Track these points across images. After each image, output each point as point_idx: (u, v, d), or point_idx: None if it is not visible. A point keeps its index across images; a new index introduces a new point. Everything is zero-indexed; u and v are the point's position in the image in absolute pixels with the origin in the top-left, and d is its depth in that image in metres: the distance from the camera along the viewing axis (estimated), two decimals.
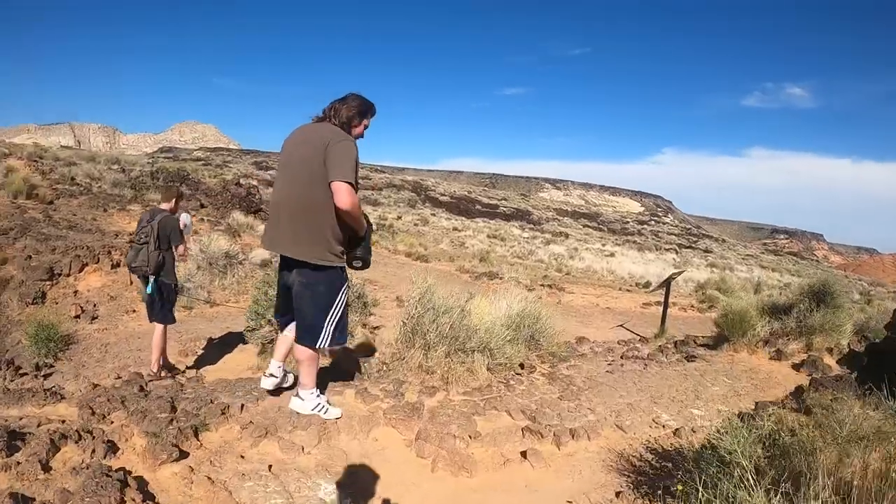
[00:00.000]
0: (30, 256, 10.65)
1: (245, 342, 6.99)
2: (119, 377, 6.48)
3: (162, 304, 6.22)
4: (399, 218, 40.00)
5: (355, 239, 3.50)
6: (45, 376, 7.11)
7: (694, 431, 3.65)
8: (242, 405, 3.60)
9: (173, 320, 6.24)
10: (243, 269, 11.75)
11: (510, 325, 4.98)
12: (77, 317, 9.41)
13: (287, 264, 3.59)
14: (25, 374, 7.07)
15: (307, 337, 3.56)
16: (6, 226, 11.67)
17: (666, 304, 10.08)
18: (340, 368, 4.82)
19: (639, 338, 9.51)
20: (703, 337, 9.14)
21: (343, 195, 3.19)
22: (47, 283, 10.21)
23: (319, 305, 3.50)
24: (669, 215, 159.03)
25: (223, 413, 3.43)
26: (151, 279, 6.05)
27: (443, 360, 4.25)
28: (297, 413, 3.61)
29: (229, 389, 3.99)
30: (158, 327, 6.25)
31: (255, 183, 38.90)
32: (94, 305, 9.85)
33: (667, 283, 10.37)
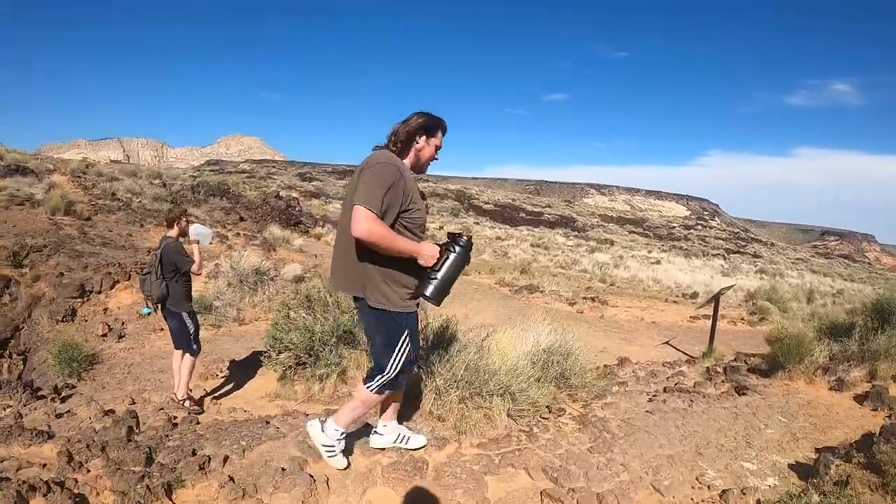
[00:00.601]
0: (62, 273, 10.65)
1: None
2: (133, 402, 6.27)
3: (176, 335, 5.94)
4: (441, 228, 39.70)
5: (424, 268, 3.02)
6: (63, 399, 6.98)
7: (744, 494, 3.08)
8: (226, 457, 3.21)
9: (191, 349, 5.91)
10: (275, 286, 11.53)
11: (537, 363, 4.45)
12: (104, 335, 9.33)
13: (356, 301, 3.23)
14: (43, 396, 6.96)
15: (369, 375, 3.24)
16: (41, 243, 11.72)
17: (714, 321, 9.38)
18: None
19: (686, 358, 8.86)
20: (754, 357, 8.44)
21: (356, 221, 2.77)
22: (78, 300, 10.20)
23: (377, 353, 3.18)
24: (716, 219, 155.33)
25: (202, 468, 3.04)
26: (152, 308, 5.83)
27: (455, 406, 3.76)
28: (380, 448, 3.39)
29: (220, 435, 3.61)
30: (176, 353, 5.98)
31: (296, 195, 39.29)
32: (123, 323, 9.76)
33: (716, 298, 9.66)
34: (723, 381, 6.04)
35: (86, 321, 9.86)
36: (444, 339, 4.01)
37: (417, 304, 3.15)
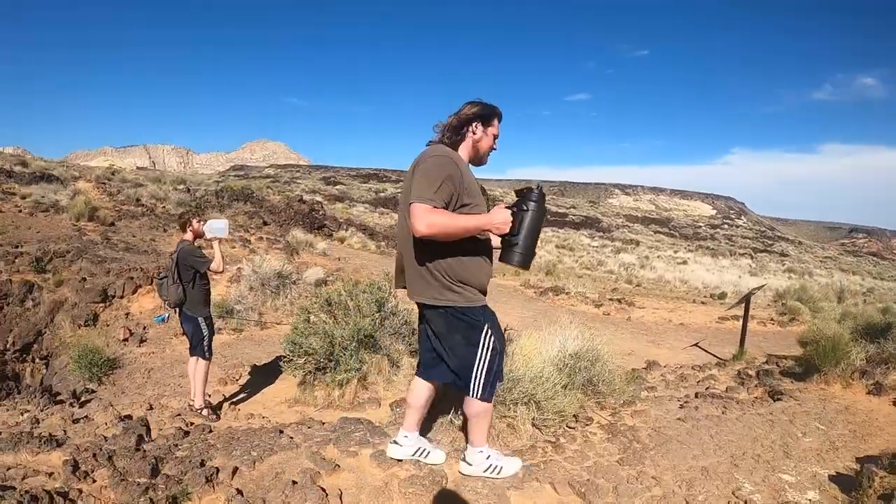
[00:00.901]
0: (84, 279, 10.71)
1: None
2: (150, 407, 6.20)
3: (191, 340, 5.84)
4: None
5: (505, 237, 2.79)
6: (82, 403, 6.98)
7: None
8: (236, 469, 3.06)
9: (203, 355, 5.80)
10: (297, 289, 11.47)
11: (563, 368, 4.22)
12: (125, 340, 9.35)
13: (420, 307, 3.04)
14: (62, 401, 6.95)
15: (462, 385, 2.98)
16: (64, 248, 11.79)
17: (745, 323, 9.08)
18: (364, 418, 4.26)
19: (716, 360, 8.57)
20: (787, 359, 8.15)
21: (414, 219, 2.60)
22: (100, 304, 10.26)
23: (459, 356, 2.93)
24: (742, 217, 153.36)
25: (209, 480, 2.89)
26: (170, 312, 5.74)
27: None
28: (468, 475, 3.13)
29: (231, 445, 3.46)
30: (191, 360, 5.89)
31: (320, 199, 39.42)
32: (144, 328, 9.76)
33: (746, 299, 9.35)
34: (756, 386, 5.78)
35: (107, 326, 9.89)
36: None
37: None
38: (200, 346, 5.75)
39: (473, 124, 2.92)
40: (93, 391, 7.56)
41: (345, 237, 22.88)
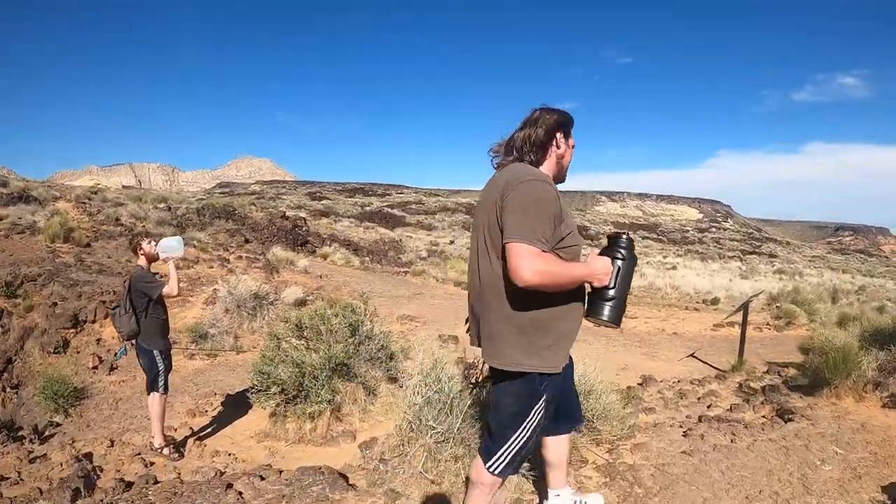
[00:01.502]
0: (55, 303, 10.28)
1: None
2: (111, 444, 5.81)
3: (147, 374, 5.36)
4: (451, 242, 39.15)
5: (598, 290, 2.38)
6: (44, 439, 6.60)
7: None
8: None
9: (159, 389, 5.30)
10: (275, 310, 11.02)
11: None
12: (95, 368, 8.93)
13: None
14: (22, 437, 6.55)
15: (486, 447, 2.49)
16: (36, 272, 11.32)
17: (744, 332, 8.73)
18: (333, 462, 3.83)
19: (715, 372, 8.20)
20: (788, 368, 7.82)
21: (517, 265, 2.09)
22: (71, 330, 9.85)
23: (502, 422, 2.41)
24: (729, 220, 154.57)
25: None
26: (125, 345, 5.29)
27: (453, 466, 3.09)
28: None
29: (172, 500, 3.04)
30: (150, 396, 5.39)
31: (304, 214, 38.95)
32: (116, 354, 9.30)
33: (744, 307, 9.00)
34: (762, 403, 5.42)
35: (78, 352, 9.48)
36: (439, 379, 3.39)
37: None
38: (156, 382, 5.28)
39: (557, 136, 2.44)
40: (58, 424, 7.16)
41: (328, 253, 22.45)
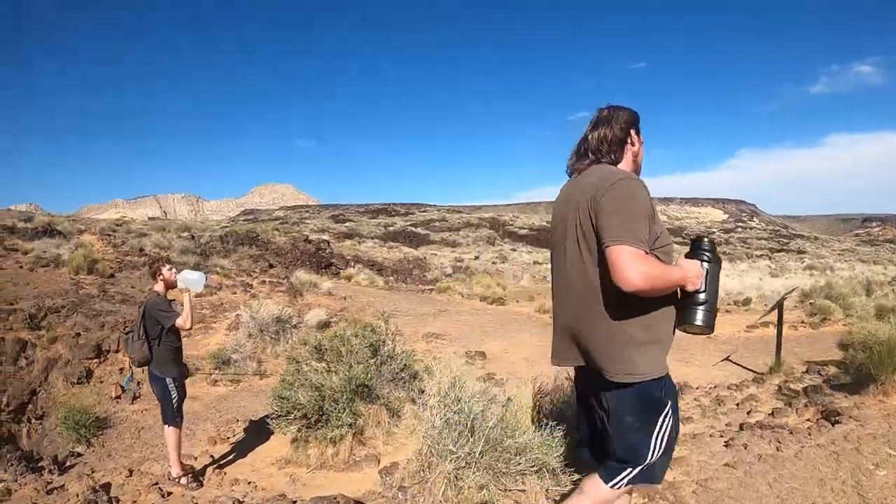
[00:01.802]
0: (78, 334, 10.32)
1: None
2: (130, 474, 5.70)
3: (160, 403, 5.23)
4: (476, 258, 38.93)
5: (687, 296, 2.25)
6: (64, 470, 6.57)
7: None
8: None
9: (173, 421, 5.14)
10: (298, 334, 10.92)
11: None
12: (118, 397, 8.89)
13: (582, 374, 2.42)
14: (41, 468, 6.50)
15: (604, 466, 2.28)
16: (59, 303, 11.40)
17: (780, 332, 8.36)
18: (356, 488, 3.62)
19: (752, 375, 7.87)
20: (828, 366, 7.47)
21: (622, 268, 1.98)
22: (94, 360, 9.87)
23: (626, 444, 2.20)
24: (755, 219, 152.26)
25: None
26: (133, 371, 5.16)
27: (476, 495, 2.82)
28: None
29: None
30: (165, 426, 5.25)
31: (327, 237, 39.07)
32: (139, 383, 9.25)
33: (779, 306, 8.63)
34: (806, 406, 5.11)
35: (101, 382, 9.47)
36: (458, 399, 3.15)
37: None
38: (169, 411, 5.13)
39: (632, 133, 2.34)
40: (79, 454, 7.17)
41: (352, 274, 22.41)
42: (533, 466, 2.97)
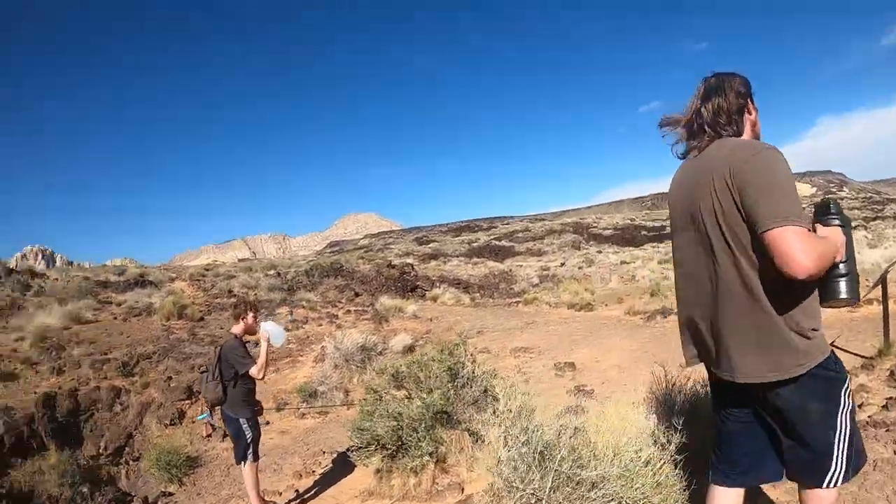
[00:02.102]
0: (170, 377, 10.73)
1: None
2: None
3: (234, 443, 5.28)
4: (562, 264, 38.18)
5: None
6: None
7: None
8: None
9: (244, 460, 5.21)
10: (384, 360, 10.96)
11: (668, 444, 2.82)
12: (209, 436, 9.09)
13: (726, 384, 2.12)
14: None
15: (809, 474, 2.04)
16: (150, 350, 11.94)
17: (886, 308, 7.57)
18: None
19: (860, 361, 7.15)
20: None
21: (792, 253, 1.73)
22: (185, 402, 10.22)
23: (814, 435, 1.98)
24: (844, 188, 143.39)
25: None
26: (210, 410, 5.23)
27: None
28: None
29: None
30: (241, 466, 5.29)
31: (411, 260, 39.37)
32: (199, 417, 9.58)
33: (882, 280, 7.84)
34: None
35: (193, 422, 9.76)
36: (524, 430, 2.89)
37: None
38: (241, 450, 5.16)
39: (749, 102, 2.12)
40: (171, 494, 7.37)
41: (437, 295, 22.33)
42: (612, 498, 2.61)
